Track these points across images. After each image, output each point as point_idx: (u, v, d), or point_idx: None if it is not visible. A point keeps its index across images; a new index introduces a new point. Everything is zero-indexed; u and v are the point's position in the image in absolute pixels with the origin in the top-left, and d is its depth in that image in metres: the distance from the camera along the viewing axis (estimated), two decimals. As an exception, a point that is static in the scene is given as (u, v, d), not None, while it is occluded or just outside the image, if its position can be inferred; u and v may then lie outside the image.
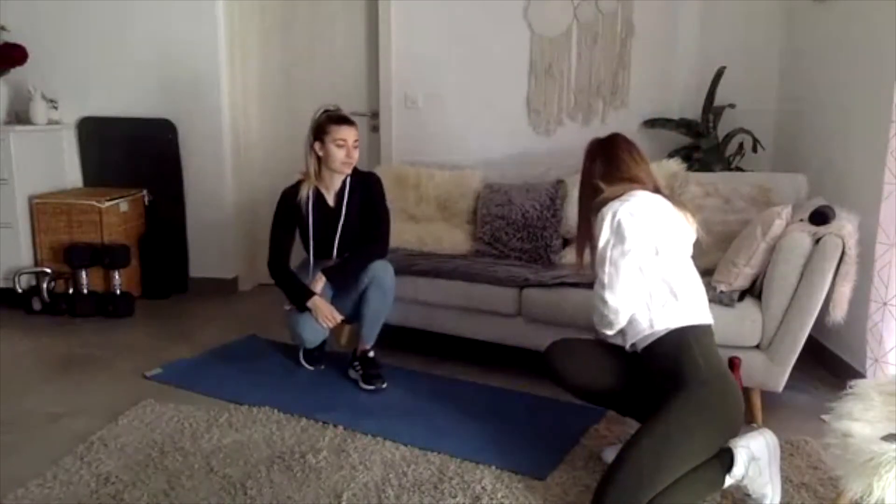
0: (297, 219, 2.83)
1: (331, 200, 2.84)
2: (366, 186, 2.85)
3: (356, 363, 2.84)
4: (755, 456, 1.86)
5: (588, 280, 2.69)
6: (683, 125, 3.45)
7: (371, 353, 2.82)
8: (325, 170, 2.80)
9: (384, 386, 2.75)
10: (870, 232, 2.41)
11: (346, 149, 2.73)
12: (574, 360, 2.10)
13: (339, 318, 2.75)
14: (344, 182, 2.83)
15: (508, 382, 2.82)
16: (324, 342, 2.91)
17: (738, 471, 1.84)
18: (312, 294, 2.72)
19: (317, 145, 2.76)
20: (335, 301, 2.80)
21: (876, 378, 2.34)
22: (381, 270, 2.73)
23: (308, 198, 2.80)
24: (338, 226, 2.81)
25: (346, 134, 2.73)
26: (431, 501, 1.98)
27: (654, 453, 1.76)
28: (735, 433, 1.89)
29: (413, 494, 2.01)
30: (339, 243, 2.81)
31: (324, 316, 2.72)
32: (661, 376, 1.91)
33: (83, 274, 3.73)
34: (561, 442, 2.30)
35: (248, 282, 4.23)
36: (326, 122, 2.75)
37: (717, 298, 2.38)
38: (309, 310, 2.71)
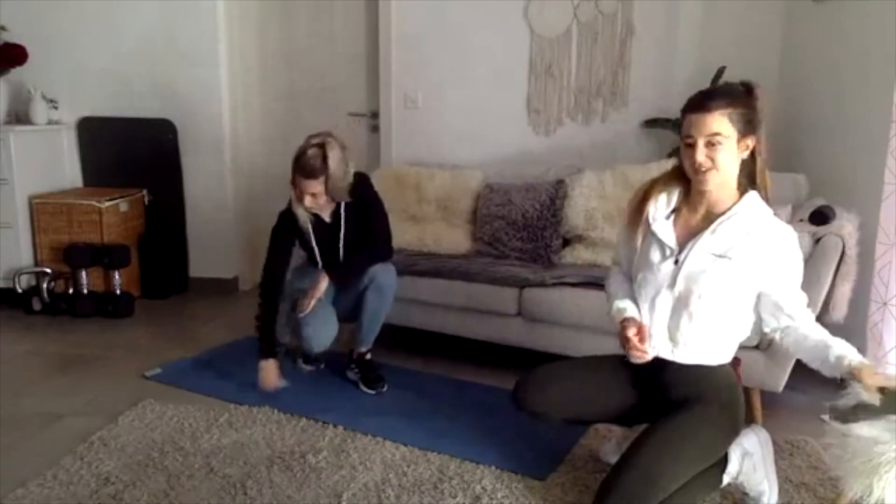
0: (299, 238, 2.75)
1: (327, 217, 2.74)
2: (357, 191, 2.73)
3: (353, 365, 2.84)
4: (748, 451, 1.87)
5: (586, 280, 2.72)
6: (683, 125, 3.45)
7: (368, 356, 2.82)
8: None
9: (385, 389, 2.75)
10: (870, 232, 2.41)
11: (307, 197, 2.61)
12: (552, 394, 1.99)
13: (278, 387, 2.69)
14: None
15: (508, 382, 2.79)
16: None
17: (732, 467, 1.84)
18: (272, 356, 2.69)
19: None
20: (336, 299, 2.79)
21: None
22: (381, 272, 2.69)
23: (307, 219, 2.70)
24: (339, 243, 2.74)
25: (304, 186, 2.58)
26: (431, 501, 1.98)
27: (658, 462, 1.74)
28: (736, 437, 1.89)
29: (413, 494, 2.01)
30: (343, 258, 2.75)
31: (265, 381, 2.67)
32: (676, 390, 1.87)
33: (83, 274, 3.73)
34: (561, 442, 2.30)
35: (248, 282, 4.23)
36: (293, 166, 2.60)
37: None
38: (261, 361, 2.68)
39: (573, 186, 3.14)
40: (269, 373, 2.68)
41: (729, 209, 1.79)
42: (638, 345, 1.81)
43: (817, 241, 2.27)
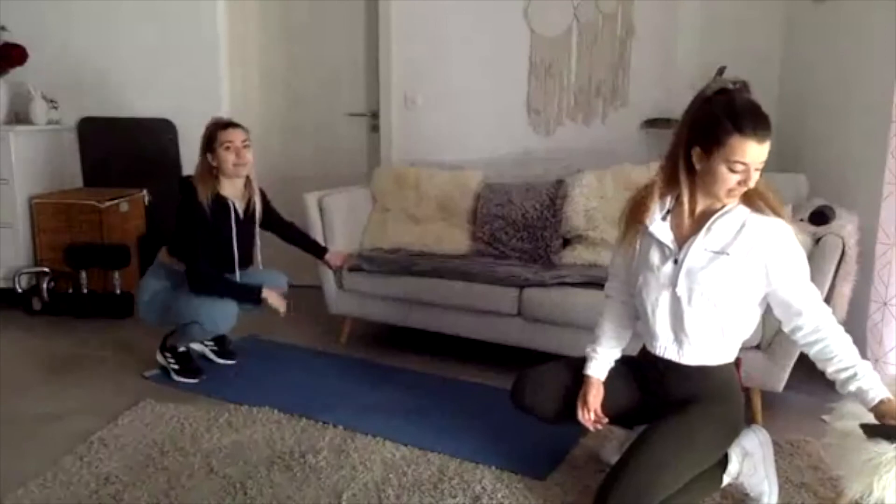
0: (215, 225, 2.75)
1: (241, 209, 2.81)
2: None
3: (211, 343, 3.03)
4: (748, 451, 1.86)
5: (586, 280, 2.72)
6: (683, 125, 3.44)
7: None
8: (224, 178, 2.75)
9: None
10: (870, 232, 2.41)
11: (238, 153, 2.71)
12: (550, 392, 2.01)
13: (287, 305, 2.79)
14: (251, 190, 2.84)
15: (508, 382, 2.78)
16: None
17: (733, 468, 1.83)
18: (260, 287, 2.74)
19: (209, 157, 2.73)
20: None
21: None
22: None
23: (230, 206, 2.75)
24: (255, 235, 2.84)
25: (234, 136, 2.72)
26: (431, 501, 1.98)
27: (659, 461, 1.73)
28: (737, 436, 1.89)
29: (413, 494, 2.01)
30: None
31: (279, 301, 2.75)
32: (679, 391, 1.86)
33: (83, 274, 3.73)
34: (561, 442, 2.29)
35: (248, 282, 4.23)
36: (214, 130, 2.74)
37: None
38: (262, 301, 2.73)
39: (573, 186, 3.14)
40: (272, 294, 2.74)
41: (722, 207, 1.79)
42: (584, 414, 1.94)
43: (817, 241, 2.27)
